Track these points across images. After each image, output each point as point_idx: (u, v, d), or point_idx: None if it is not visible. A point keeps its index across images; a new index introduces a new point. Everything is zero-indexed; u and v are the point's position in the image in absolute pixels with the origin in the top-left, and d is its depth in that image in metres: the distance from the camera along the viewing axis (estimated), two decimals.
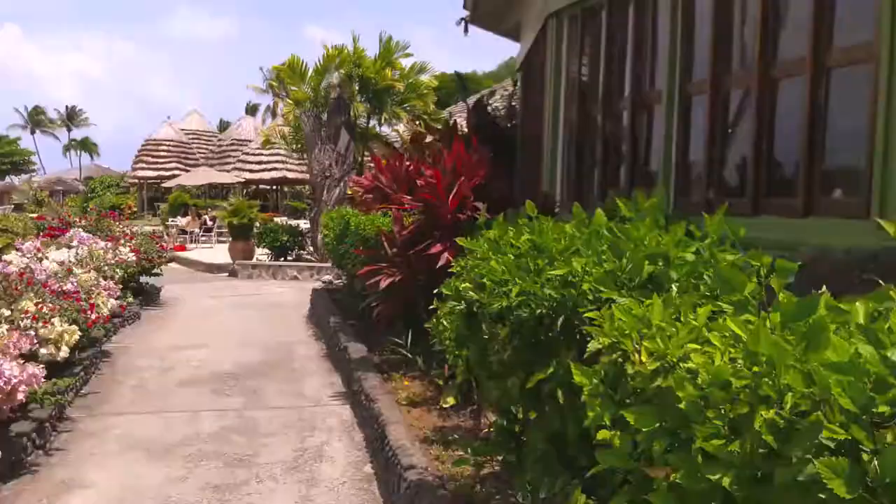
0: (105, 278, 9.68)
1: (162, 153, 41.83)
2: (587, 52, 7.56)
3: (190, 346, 9.34)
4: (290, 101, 18.71)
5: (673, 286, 2.41)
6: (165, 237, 25.60)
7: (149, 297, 12.86)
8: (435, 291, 4.95)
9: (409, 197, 6.79)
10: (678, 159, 5.93)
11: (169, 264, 22.37)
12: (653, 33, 6.48)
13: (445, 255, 6.37)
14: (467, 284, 3.50)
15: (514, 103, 11.75)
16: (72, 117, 75.40)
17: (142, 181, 41.95)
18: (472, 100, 13.21)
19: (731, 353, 1.62)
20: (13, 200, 57.40)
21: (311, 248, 18.89)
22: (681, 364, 1.66)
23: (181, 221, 27.21)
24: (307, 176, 21.54)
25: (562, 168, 7.83)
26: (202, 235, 26.81)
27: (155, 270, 13.00)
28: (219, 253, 21.50)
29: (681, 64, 5.92)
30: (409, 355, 6.72)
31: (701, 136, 5.68)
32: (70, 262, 8.13)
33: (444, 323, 5.41)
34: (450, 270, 4.60)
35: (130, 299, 11.13)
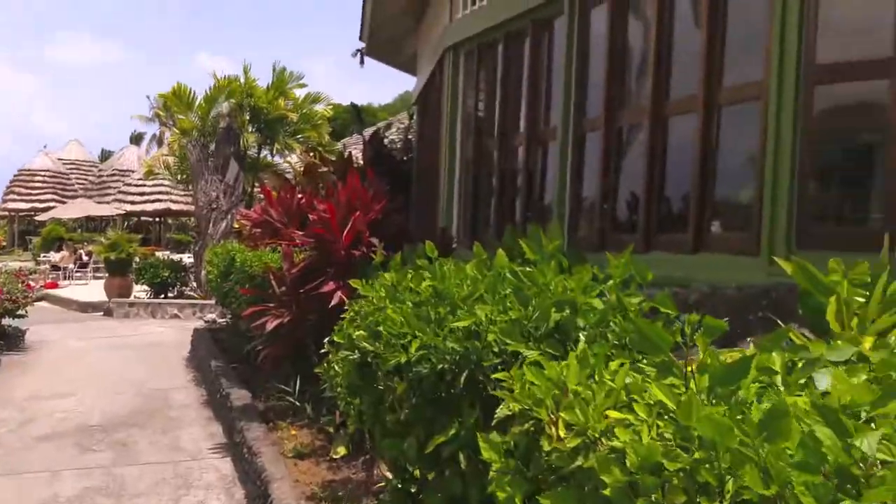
0: None
1: (37, 184, 39.41)
2: (483, 87, 7.49)
3: (54, 396, 8.53)
4: (177, 130, 17.92)
5: (581, 335, 2.21)
6: (35, 274, 23.93)
7: (11, 340, 11.79)
8: (327, 339, 4.62)
9: (300, 232, 6.44)
10: (572, 195, 5.87)
11: (39, 303, 20.97)
12: (548, 69, 6.46)
13: (339, 293, 6.04)
14: (362, 332, 3.20)
15: (410, 136, 11.61)
16: None
17: (13, 214, 39.30)
18: (368, 132, 12.97)
19: (660, 427, 1.40)
20: None
21: (195, 285, 18.01)
22: (603, 440, 1.43)
23: (55, 257, 25.52)
24: (192, 208, 20.68)
25: (458, 203, 7.68)
26: (77, 271, 25.21)
27: (20, 312, 11.93)
28: (94, 290, 20.20)
29: (575, 101, 5.90)
30: (296, 403, 6.29)
31: (594, 172, 5.64)
32: None
33: (336, 368, 5.09)
34: (343, 313, 4.30)
35: None
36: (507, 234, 5.66)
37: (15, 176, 39.74)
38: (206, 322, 12.54)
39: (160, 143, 41.37)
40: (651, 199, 4.94)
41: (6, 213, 39.79)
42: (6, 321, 11.93)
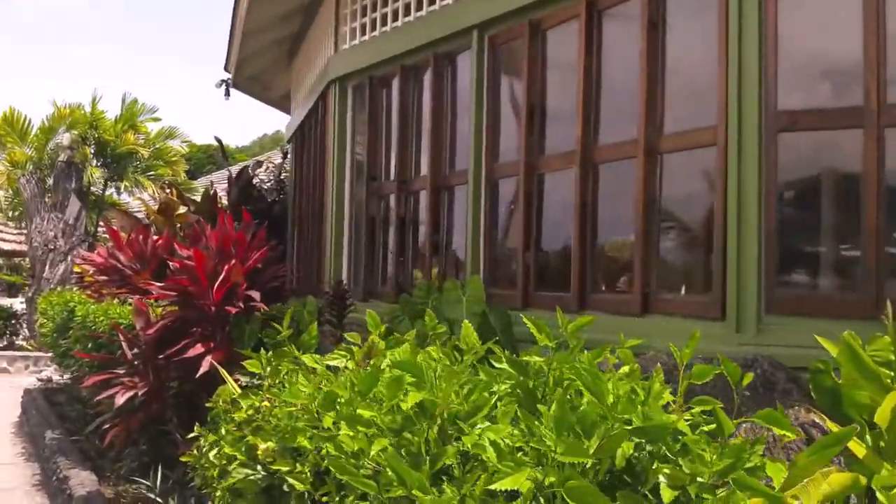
0: None
1: None
2: (376, 125, 6.71)
3: None
4: (6, 163, 15.81)
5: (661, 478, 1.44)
6: None
7: None
8: (197, 424, 3.62)
9: (157, 283, 5.32)
10: (488, 247, 5.17)
11: None
12: (452, 107, 5.80)
13: (208, 359, 5.00)
14: (271, 445, 2.28)
15: (283, 176, 10.61)
16: None
17: None
18: (234, 170, 11.81)
19: None
20: None
21: (28, 334, 15.82)
22: None
23: None
24: (26, 248, 18.38)
25: (348, 253, 6.81)
26: None
27: None
28: None
29: (487, 143, 5.24)
30: (157, 499, 5.07)
31: (514, 222, 4.98)
32: None
33: (212, 458, 4.09)
34: (213, 382, 3.34)
35: None
36: (420, 291, 4.88)
37: None
38: (40, 380, 10.78)
39: None
40: (584, 253, 4.33)
41: None
42: None
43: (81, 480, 5.82)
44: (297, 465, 2.05)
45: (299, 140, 9.19)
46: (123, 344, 5.38)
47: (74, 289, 11.54)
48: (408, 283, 6.00)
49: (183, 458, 4.36)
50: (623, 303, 4.04)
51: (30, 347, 14.78)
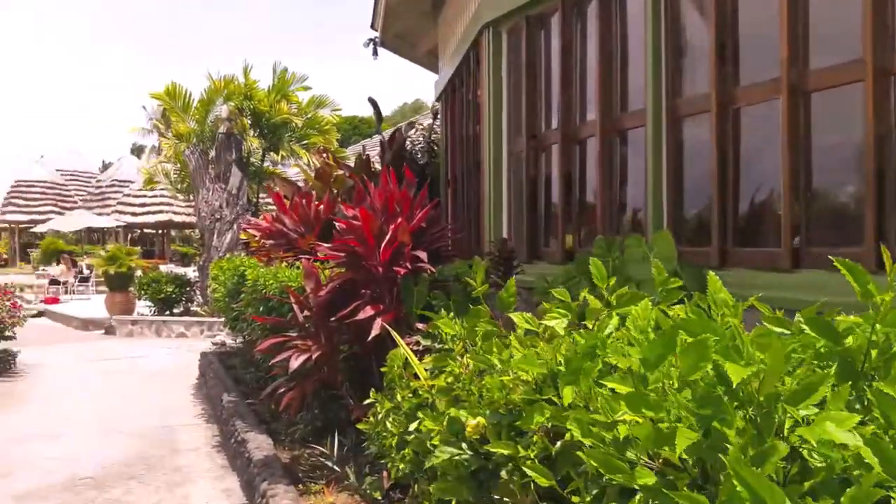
0: None
1: (35, 195, 38.10)
2: (535, 70, 6.24)
3: (40, 436, 7.27)
4: (172, 136, 16.63)
5: None
6: (34, 288, 22.68)
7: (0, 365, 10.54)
8: (363, 372, 3.41)
9: (325, 244, 5.18)
10: (671, 198, 4.62)
11: (38, 320, 19.71)
12: (624, 38, 5.23)
13: (379, 321, 4.81)
14: (481, 421, 1.95)
15: (433, 137, 10.38)
16: None
17: (12, 226, 37.99)
18: (387, 133, 11.71)
19: None
20: None
21: (201, 300, 16.74)
22: None
23: (53, 270, 24.23)
24: (195, 219, 19.45)
25: (508, 211, 6.43)
26: (79, 286, 23.95)
27: (7, 333, 10.68)
28: (96, 305, 18.97)
29: (668, 75, 4.66)
30: (334, 467, 4.97)
31: (706, 167, 4.40)
32: None
33: (389, 426, 3.92)
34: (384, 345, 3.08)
35: None
36: (599, 248, 4.43)
37: (12, 187, 38.40)
38: (214, 344, 11.28)
39: (160, 153, 40.11)
40: (796, 199, 3.71)
41: (5, 224, 38.49)
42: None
43: (258, 444, 5.89)
44: (520, 448, 1.71)
45: (449, 97, 8.88)
46: (294, 307, 5.31)
47: (242, 255, 11.99)
48: (578, 242, 5.56)
49: (359, 426, 4.20)
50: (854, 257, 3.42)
51: (203, 313, 15.63)
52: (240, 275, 7.50)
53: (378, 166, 9.90)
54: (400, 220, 4.81)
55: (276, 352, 5.10)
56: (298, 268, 6.29)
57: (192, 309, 17.02)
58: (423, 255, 4.87)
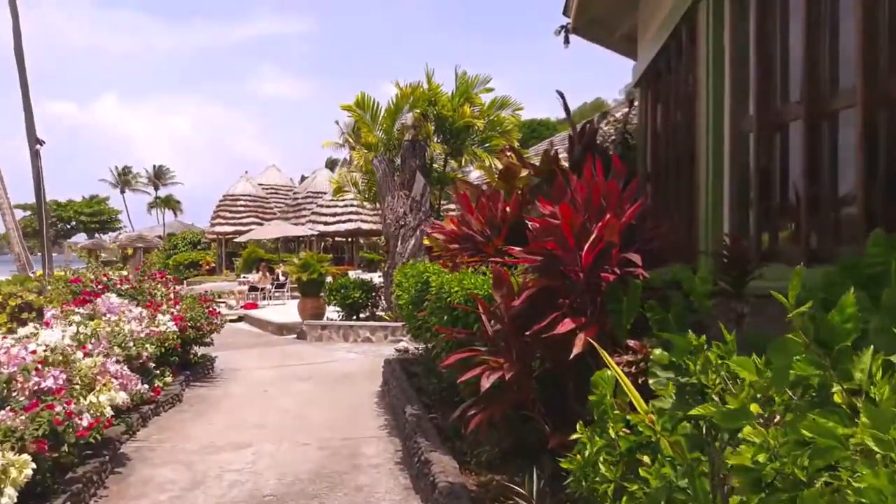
0: (129, 358, 7.69)
1: (239, 208, 40.95)
2: (770, 35, 5.16)
3: (230, 446, 7.17)
4: (362, 147, 16.79)
5: None
6: (235, 294, 24.06)
7: (198, 371, 10.85)
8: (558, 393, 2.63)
9: (517, 248, 4.47)
10: None
11: (238, 324, 20.80)
12: None
13: (582, 336, 4.03)
14: None
15: (628, 127, 9.42)
16: (159, 176, 76.77)
17: (220, 236, 41.07)
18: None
19: None
20: (101, 258, 58.13)
21: (385, 305, 16.74)
22: None
23: (253, 278, 25.62)
24: (381, 226, 19.63)
25: (731, 204, 5.39)
26: (275, 291, 25.15)
27: (206, 339, 11.00)
28: (291, 310, 19.60)
29: None
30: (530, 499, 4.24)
31: None
32: (67, 343, 6.06)
33: (602, 469, 3.16)
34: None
35: (168, 379, 9.10)
36: (876, 247, 3.36)
37: (220, 201, 41.53)
38: (397, 351, 11.00)
39: (350, 165, 41.63)
40: None
41: (214, 235, 41.68)
42: (195, 349, 11.05)
43: (443, 467, 5.29)
44: None
45: (651, 80, 7.90)
46: (482, 317, 4.65)
47: (425, 259, 11.67)
48: (830, 239, 4.44)
49: (563, 465, 3.45)
50: None
51: (387, 318, 15.57)
52: (423, 281, 7.01)
53: (566, 163, 9.09)
54: (608, 216, 4.00)
55: (463, 368, 4.45)
56: (485, 274, 5.65)
57: (377, 314, 17.09)
58: (636, 257, 4.02)
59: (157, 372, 8.98)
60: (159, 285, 10.72)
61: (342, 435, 7.45)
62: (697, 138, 5.77)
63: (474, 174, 17.38)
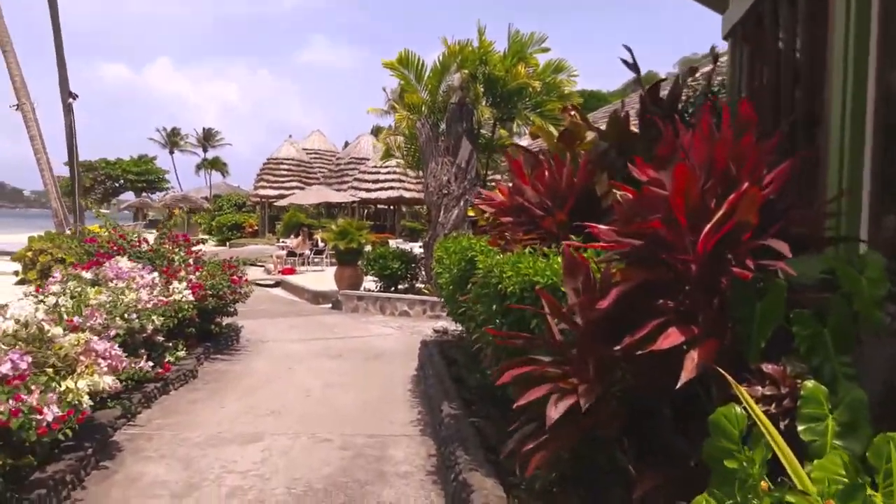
0: (131, 332, 6.68)
1: (283, 171, 40.17)
2: None
3: (239, 439, 6.12)
4: (403, 108, 15.51)
5: None
6: (273, 258, 23.17)
7: (220, 342, 9.87)
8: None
9: (602, 225, 3.23)
10: None
11: (275, 290, 19.91)
12: None
13: (694, 356, 2.81)
14: None
15: (714, 88, 8.01)
16: (208, 138, 76.54)
17: (263, 200, 40.38)
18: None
19: None
20: (149, 217, 58.15)
21: (425, 278, 15.60)
22: None
23: (292, 242, 24.72)
24: (424, 195, 18.45)
25: (872, 177, 4.06)
26: (314, 257, 24.23)
27: (229, 309, 9.99)
28: (328, 277, 18.57)
29: None
30: None
31: None
32: (41, 318, 4.99)
33: None
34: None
35: (181, 353, 8.09)
36: None
37: (264, 165, 40.78)
38: (436, 331, 9.84)
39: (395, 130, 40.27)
40: None
41: (257, 198, 41.00)
42: (219, 319, 10.05)
43: (485, 496, 4.13)
44: None
45: (749, 31, 6.50)
46: (547, 317, 3.43)
47: (469, 232, 10.46)
48: None
49: None
50: None
51: (427, 292, 14.44)
52: (468, 260, 5.80)
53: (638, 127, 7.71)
54: (746, 185, 2.72)
55: (522, 385, 3.25)
56: (546, 256, 4.42)
57: (416, 286, 16.01)
58: (782, 245, 2.76)
59: (170, 345, 7.98)
60: (178, 249, 9.68)
61: (369, 430, 6.35)
62: (829, 96, 4.42)
63: (525, 143, 16.00)
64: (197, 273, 9.25)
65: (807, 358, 2.76)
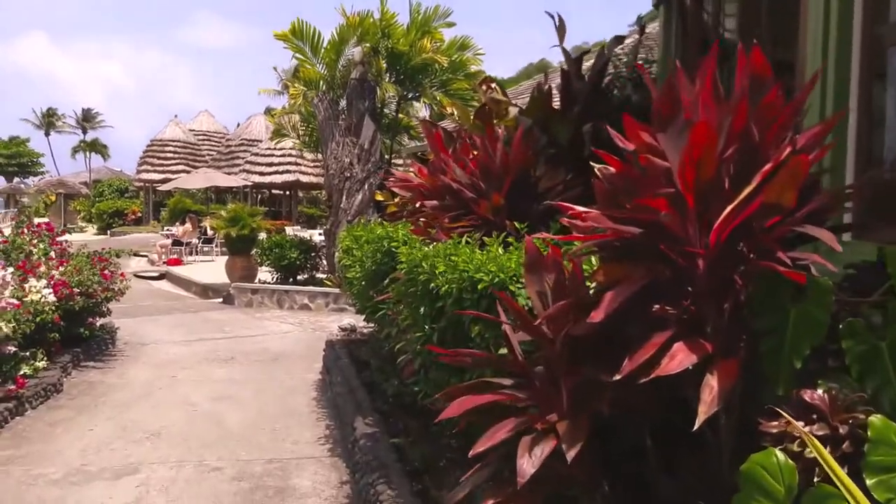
0: None
1: (168, 154, 37.69)
2: None
3: (108, 473, 5.05)
4: (299, 84, 14.35)
5: None
6: (157, 248, 21.45)
7: (92, 347, 8.60)
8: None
9: (590, 210, 2.45)
10: None
11: (158, 283, 18.33)
12: None
13: (713, 382, 2.10)
14: None
15: (643, 58, 7.47)
16: (87, 119, 71.41)
17: (147, 184, 37.80)
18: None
19: None
20: (23, 203, 53.70)
21: (327, 266, 14.58)
22: None
23: (178, 230, 22.98)
24: (323, 179, 17.33)
25: (856, 158, 3.49)
26: (203, 246, 22.59)
27: (101, 308, 8.71)
28: (219, 268, 17.18)
29: None
30: None
31: None
32: None
33: None
34: None
35: (40, 364, 6.87)
36: None
37: (147, 147, 38.13)
38: (342, 329, 8.93)
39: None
40: None
41: (141, 183, 38.39)
42: (91, 320, 8.75)
43: None
44: None
45: None
46: (505, 330, 2.65)
47: (375, 217, 9.54)
48: None
49: None
50: None
51: (329, 283, 13.42)
52: (385, 252, 4.96)
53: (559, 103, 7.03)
54: (788, 150, 2.02)
55: (483, 424, 2.45)
56: (484, 247, 3.65)
57: (316, 276, 14.98)
58: (825, 234, 2.08)
59: (26, 355, 6.75)
60: (39, 241, 8.31)
61: (268, 454, 5.43)
62: (802, 59, 3.85)
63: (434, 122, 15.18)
64: (61, 268, 7.95)
65: (860, 382, 2.11)
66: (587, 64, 7.52)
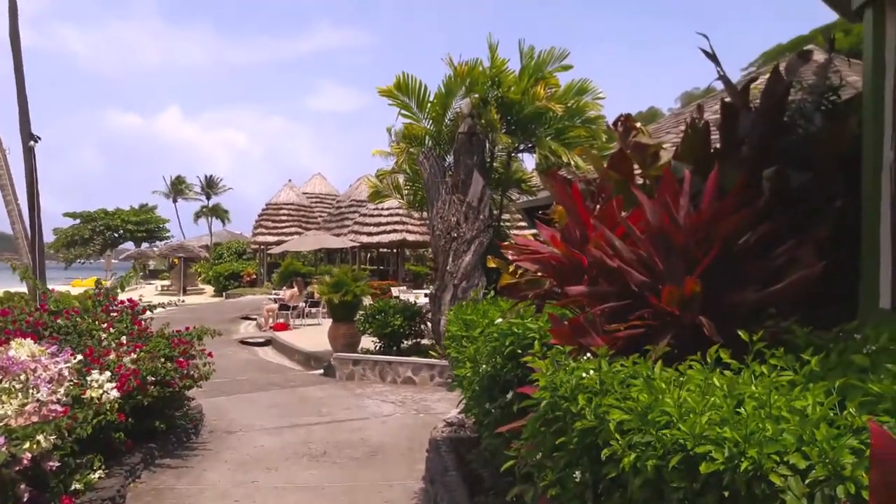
0: None
1: (282, 217, 37.97)
2: None
3: None
4: (404, 142, 13.24)
5: None
6: (264, 312, 20.77)
7: (171, 441, 7.44)
8: None
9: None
10: None
11: (264, 348, 17.49)
12: None
13: None
14: None
15: (832, 82, 5.72)
16: (211, 185, 74.59)
17: (262, 247, 38.11)
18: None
19: None
20: (150, 267, 55.88)
21: (432, 333, 13.17)
22: None
23: (284, 293, 22.32)
24: (429, 237, 16.09)
25: None
26: (311, 309, 21.78)
27: (177, 400, 7.56)
28: (324, 333, 16.06)
29: None
30: None
31: None
32: None
33: None
34: None
35: (93, 476, 5.68)
36: None
37: (262, 210, 38.60)
38: (448, 424, 7.38)
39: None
40: None
41: (256, 245, 38.77)
42: (168, 411, 7.62)
43: None
44: None
45: None
46: None
47: (483, 282, 8.02)
48: None
49: None
50: None
51: (434, 355, 11.99)
52: (507, 356, 3.43)
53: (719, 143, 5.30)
54: None
55: None
56: (685, 376, 2.05)
57: (421, 343, 13.61)
58: None
59: (81, 462, 5.60)
60: (117, 321, 7.28)
61: None
62: None
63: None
64: (135, 353, 6.86)
65: None
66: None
